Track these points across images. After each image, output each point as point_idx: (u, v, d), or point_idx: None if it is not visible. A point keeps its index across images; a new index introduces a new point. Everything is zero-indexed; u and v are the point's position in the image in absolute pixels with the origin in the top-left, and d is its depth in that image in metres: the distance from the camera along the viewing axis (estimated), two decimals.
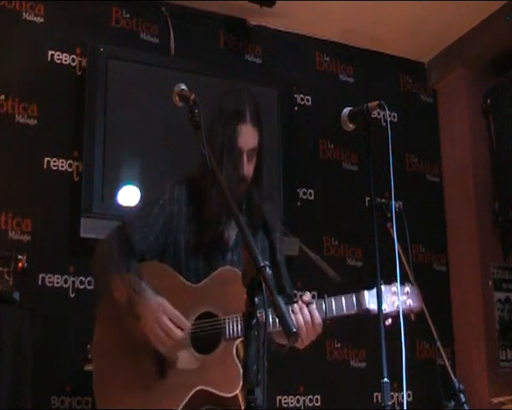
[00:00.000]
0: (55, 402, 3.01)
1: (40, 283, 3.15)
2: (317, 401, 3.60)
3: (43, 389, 2.93)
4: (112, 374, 2.03)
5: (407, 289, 2.09)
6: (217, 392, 1.92)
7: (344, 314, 2.05)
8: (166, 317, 1.93)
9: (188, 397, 1.92)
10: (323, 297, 2.05)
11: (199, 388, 1.93)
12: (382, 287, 2.02)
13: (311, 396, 3.60)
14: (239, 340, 1.97)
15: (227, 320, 1.99)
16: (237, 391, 1.90)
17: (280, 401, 3.51)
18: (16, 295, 2.64)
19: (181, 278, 2.08)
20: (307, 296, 2.07)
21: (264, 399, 1.40)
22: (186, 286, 2.06)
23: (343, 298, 2.04)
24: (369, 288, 2.04)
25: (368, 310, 2.03)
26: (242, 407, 1.91)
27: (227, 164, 2.08)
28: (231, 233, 2.18)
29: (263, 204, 2.21)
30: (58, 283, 3.19)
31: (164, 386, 1.96)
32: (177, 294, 2.03)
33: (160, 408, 1.94)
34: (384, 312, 2.00)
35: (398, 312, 2.01)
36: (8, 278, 2.64)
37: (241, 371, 1.86)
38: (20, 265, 2.74)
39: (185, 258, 2.12)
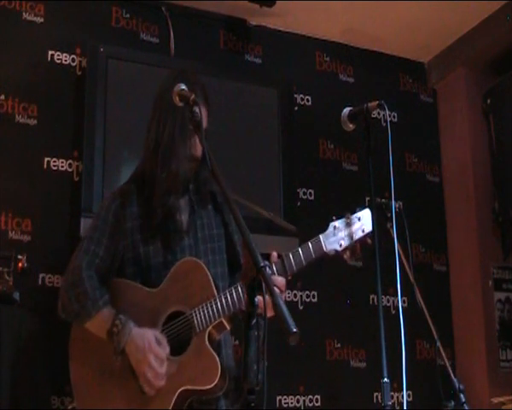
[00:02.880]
0: (55, 402, 3.01)
1: (40, 283, 3.15)
2: (317, 401, 3.60)
3: (43, 389, 2.92)
4: (94, 400, 2.03)
5: (359, 215, 2.06)
6: (198, 388, 1.95)
7: (305, 265, 2.03)
8: (153, 356, 1.95)
9: (173, 402, 1.95)
10: (281, 256, 2.02)
11: (181, 389, 1.95)
12: (336, 223, 2.04)
13: (311, 396, 3.60)
14: (210, 327, 1.98)
15: (193, 314, 1.99)
16: (216, 381, 1.92)
17: (280, 401, 3.51)
18: (16, 295, 2.64)
19: (141, 286, 2.08)
20: (274, 256, 2.04)
21: (265, 399, 1.40)
22: (148, 293, 2.06)
23: (300, 250, 2.02)
24: (324, 230, 2.05)
25: (326, 253, 2.03)
26: (224, 387, 1.96)
27: (179, 144, 2.09)
28: (183, 217, 2.16)
29: (209, 178, 2.15)
30: (58, 283, 3.18)
31: (148, 399, 1.97)
32: (142, 304, 2.05)
33: None
34: (341, 248, 2.02)
35: (356, 242, 2.02)
36: (8, 278, 2.63)
37: (218, 360, 1.93)
38: (20, 265, 2.74)
39: (145, 255, 2.10)
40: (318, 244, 2.03)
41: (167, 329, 2.03)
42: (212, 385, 1.93)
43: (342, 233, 2.04)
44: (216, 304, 1.98)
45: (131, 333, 1.97)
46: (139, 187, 2.17)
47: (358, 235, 2.04)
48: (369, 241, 2.06)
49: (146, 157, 2.19)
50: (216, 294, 2.00)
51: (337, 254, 2.04)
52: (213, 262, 2.15)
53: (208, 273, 2.02)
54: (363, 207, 2.07)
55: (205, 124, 2.12)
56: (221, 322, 1.98)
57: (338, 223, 2.05)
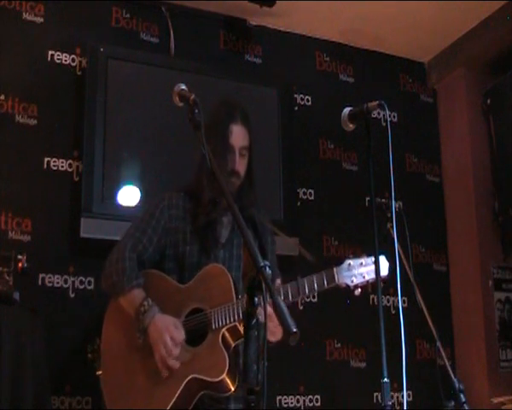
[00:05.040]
0: (55, 402, 3.01)
1: (40, 283, 3.15)
2: (317, 401, 3.60)
3: (44, 389, 2.92)
4: (117, 369, 2.25)
5: (374, 259, 2.13)
6: (206, 378, 2.10)
7: (317, 291, 2.21)
8: (169, 336, 2.12)
9: (182, 386, 2.11)
10: (296, 279, 2.18)
11: (191, 377, 2.11)
12: (351, 261, 2.17)
13: (311, 396, 3.60)
14: (224, 328, 2.14)
15: (212, 313, 2.16)
16: (224, 375, 2.07)
17: (280, 401, 3.52)
18: (16, 295, 2.63)
19: (172, 280, 2.28)
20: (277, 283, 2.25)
21: (264, 399, 1.40)
22: (177, 287, 2.27)
23: (314, 277, 2.17)
24: (338, 264, 2.18)
25: (337, 285, 2.17)
26: (232, 388, 2.10)
27: (220, 160, 2.20)
28: (223, 231, 2.36)
29: (253, 203, 2.37)
30: (58, 283, 3.19)
31: (161, 379, 2.15)
32: (170, 295, 2.25)
33: (158, 397, 2.13)
34: (352, 284, 2.15)
35: (367, 282, 2.15)
36: (8, 278, 2.63)
37: (227, 357, 2.09)
38: (20, 265, 2.73)
39: (182, 254, 2.30)
40: (331, 275, 2.17)
41: (188, 321, 2.20)
42: (219, 379, 2.07)
43: (355, 271, 2.17)
44: (233, 309, 2.13)
45: (155, 316, 2.16)
46: (187, 196, 2.38)
47: (370, 276, 2.16)
48: (381, 284, 2.12)
49: (195, 171, 2.37)
50: (235, 300, 2.15)
51: (348, 289, 2.17)
52: (243, 279, 2.31)
53: (231, 281, 2.18)
54: (380, 253, 2.12)
55: (242, 142, 2.34)
56: (236, 326, 2.13)
57: (353, 261, 2.18)
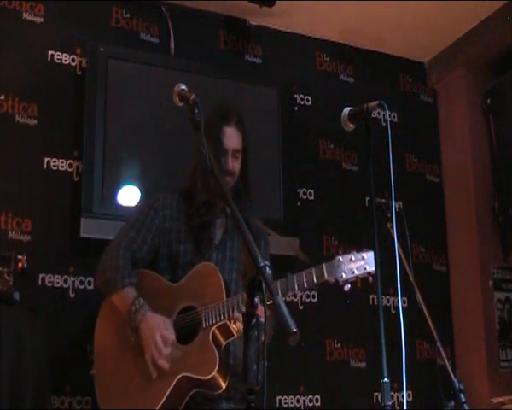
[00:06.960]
0: (55, 402, 3.01)
1: (40, 283, 3.15)
2: (317, 401, 3.60)
3: (44, 390, 2.92)
4: (110, 368, 2.28)
5: (363, 254, 2.17)
6: (196, 376, 2.11)
7: (307, 287, 2.21)
8: (159, 336, 2.15)
9: (173, 384, 2.13)
10: (286, 275, 2.19)
11: (182, 375, 2.13)
12: (340, 257, 2.18)
13: (311, 396, 3.60)
14: (214, 327, 2.15)
15: (203, 311, 2.19)
16: (214, 373, 2.09)
17: (280, 401, 3.52)
18: (16, 295, 2.63)
19: (164, 279, 2.31)
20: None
21: (264, 399, 1.40)
22: (169, 286, 2.30)
23: (303, 273, 2.18)
24: (327, 260, 2.19)
25: (326, 281, 2.18)
26: (223, 386, 2.13)
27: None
28: (217, 233, 2.39)
29: (248, 207, 2.39)
30: (58, 283, 3.19)
31: (152, 378, 2.17)
32: (162, 294, 2.29)
33: (149, 395, 2.15)
34: (342, 279, 2.15)
35: (356, 277, 2.16)
36: (8, 278, 2.63)
37: (217, 355, 2.11)
38: (20, 265, 2.73)
39: (176, 253, 2.33)
40: (321, 271, 2.17)
41: (179, 319, 2.23)
42: (209, 377, 2.09)
43: (345, 267, 2.17)
44: (223, 307, 2.14)
45: (146, 314, 2.19)
46: (182, 197, 2.41)
47: (360, 271, 2.16)
48: (370, 279, 2.17)
49: (191, 174, 2.41)
50: (225, 298, 2.17)
51: (337, 284, 2.17)
52: (236, 282, 2.33)
53: (222, 280, 2.20)
54: (369, 250, 2.15)
55: (235, 145, 2.38)
56: (226, 325, 2.14)
57: (342, 257, 2.19)
